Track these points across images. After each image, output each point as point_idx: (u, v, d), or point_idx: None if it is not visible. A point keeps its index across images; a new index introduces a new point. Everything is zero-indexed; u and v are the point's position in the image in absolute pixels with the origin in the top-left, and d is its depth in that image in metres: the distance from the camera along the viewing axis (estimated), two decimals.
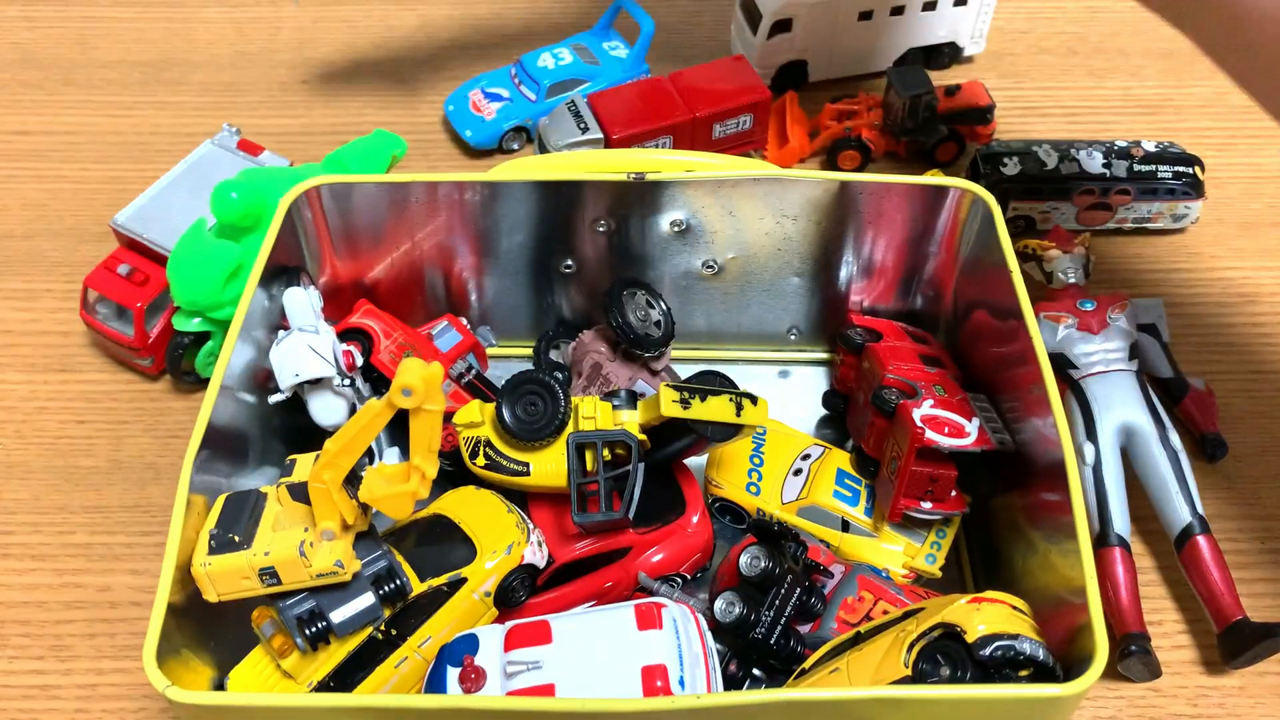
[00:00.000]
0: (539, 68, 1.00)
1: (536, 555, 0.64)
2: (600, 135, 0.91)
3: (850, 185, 0.73)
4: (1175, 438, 0.73)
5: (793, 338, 0.84)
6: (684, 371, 0.81)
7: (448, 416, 0.65)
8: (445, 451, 0.66)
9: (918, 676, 0.54)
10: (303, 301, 0.70)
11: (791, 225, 0.76)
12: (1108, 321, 0.77)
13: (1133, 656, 0.66)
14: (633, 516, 0.64)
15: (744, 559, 0.63)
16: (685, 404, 0.65)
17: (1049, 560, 0.60)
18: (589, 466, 0.65)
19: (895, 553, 0.69)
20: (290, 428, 0.71)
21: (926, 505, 0.67)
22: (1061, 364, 0.76)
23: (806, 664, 0.60)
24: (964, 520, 0.71)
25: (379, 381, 0.73)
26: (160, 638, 0.52)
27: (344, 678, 0.59)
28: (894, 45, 1.05)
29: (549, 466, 0.66)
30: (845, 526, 0.70)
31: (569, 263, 0.79)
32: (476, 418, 0.67)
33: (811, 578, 0.65)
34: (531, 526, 0.65)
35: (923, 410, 0.67)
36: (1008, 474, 0.68)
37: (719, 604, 0.62)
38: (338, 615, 0.57)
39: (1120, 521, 0.70)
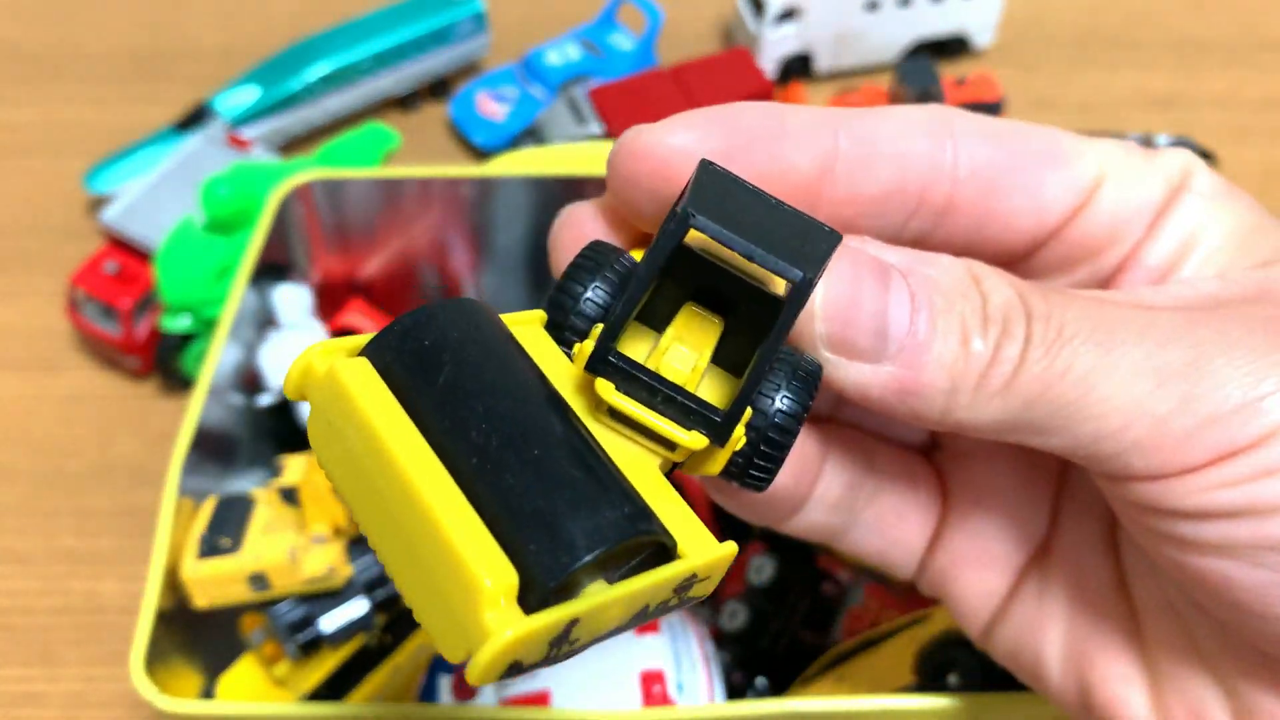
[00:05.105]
0: (548, 65, 0.98)
1: None
2: (599, 129, 0.89)
3: None
4: None
5: None
6: None
7: None
8: None
9: (925, 684, 0.53)
10: (293, 300, 0.68)
11: None
12: None
13: None
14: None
15: (751, 567, 0.62)
16: None
17: None
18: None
19: None
20: (281, 429, 0.70)
21: None
22: None
23: (810, 672, 0.59)
24: None
25: None
26: (148, 645, 0.51)
27: (336, 686, 0.58)
28: (901, 37, 1.04)
29: None
30: None
31: None
32: None
33: (820, 586, 0.63)
34: None
35: None
36: None
37: (724, 612, 0.61)
38: (329, 622, 0.56)
39: None
